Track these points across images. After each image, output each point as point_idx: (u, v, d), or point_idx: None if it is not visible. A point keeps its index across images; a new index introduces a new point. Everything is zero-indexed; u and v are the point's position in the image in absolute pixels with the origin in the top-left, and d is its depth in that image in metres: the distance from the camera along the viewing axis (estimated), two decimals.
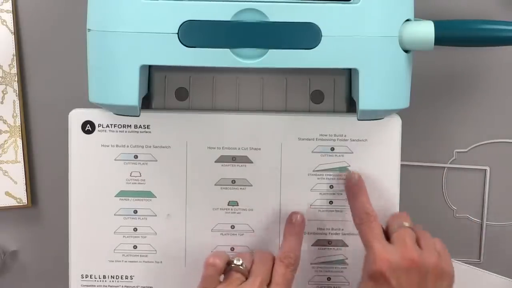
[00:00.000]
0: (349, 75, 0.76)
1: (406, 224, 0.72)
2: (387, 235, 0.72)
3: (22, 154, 0.80)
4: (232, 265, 0.71)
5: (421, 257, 0.69)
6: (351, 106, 0.77)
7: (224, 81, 0.76)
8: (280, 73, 0.76)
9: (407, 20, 0.70)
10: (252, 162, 0.76)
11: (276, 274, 0.71)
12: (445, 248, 0.72)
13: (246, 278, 0.70)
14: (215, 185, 0.76)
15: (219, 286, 0.69)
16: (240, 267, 0.71)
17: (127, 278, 0.76)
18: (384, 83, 0.70)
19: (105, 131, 0.75)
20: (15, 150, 0.80)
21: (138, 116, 0.71)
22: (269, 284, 0.70)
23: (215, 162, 0.75)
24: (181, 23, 0.67)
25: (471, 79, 0.80)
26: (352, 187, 0.74)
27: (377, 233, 0.71)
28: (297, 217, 0.75)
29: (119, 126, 0.75)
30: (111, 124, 0.75)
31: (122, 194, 0.76)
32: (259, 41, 0.67)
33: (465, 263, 0.82)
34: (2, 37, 0.79)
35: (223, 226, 0.76)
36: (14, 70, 0.80)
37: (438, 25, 0.70)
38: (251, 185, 0.76)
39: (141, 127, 0.75)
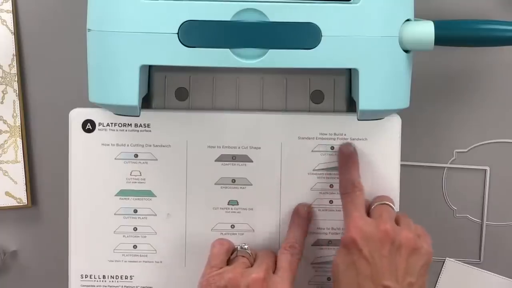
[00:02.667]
0: (349, 75, 0.76)
1: (388, 203, 0.72)
2: (368, 212, 0.72)
3: (22, 154, 0.80)
4: (239, 249, 0.72)
5: (395, 231, 0.69)
6: (351, 106, 0.77)
7: (224, 81, 0.76)
8: (280, 73, 0.76)
9: (407, 20, 0.70)
10: (252, 161, 0.75)
11: (282, 261, 0.71)
12: (427, 233, 0.71)
13: (251, 265, 0.71)
14: (215, 184, 0.76)
15: (226, 267, 0.70)
16: (247, 251, 0.71)
17: (127, 278, 0.76)
18: (384, 83, 0.70)
19: (106, 130, 0.75)
20: (15, 150, 0.80)
21: (138, 116, 0.71)
22: (274, 271, 0.70)
23: (215, 161, 0.75)
24: (181, 23, 0.67)
25: (471, 79, 0.80)
26: (345, 157, 0.74)
27: (359, 204, 0.71)
28: (304, 209, 0.75)
29: (120, 125, 0.75)
30: (112, 123, 0.75)
31: (122, 193, 0.75)
32: (259, 41, 0.67)
33: (465, 263, 0.82)
34: (2, 37, 0.79)
35: (223, 226, 0.76)
36: (14, 70, 0.80)
37: (438, 25, 0.70)
38: (251, 184, 0.76)
39: (141, 126, 0.75)
